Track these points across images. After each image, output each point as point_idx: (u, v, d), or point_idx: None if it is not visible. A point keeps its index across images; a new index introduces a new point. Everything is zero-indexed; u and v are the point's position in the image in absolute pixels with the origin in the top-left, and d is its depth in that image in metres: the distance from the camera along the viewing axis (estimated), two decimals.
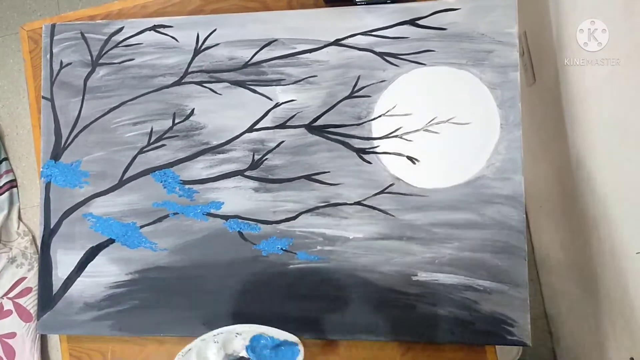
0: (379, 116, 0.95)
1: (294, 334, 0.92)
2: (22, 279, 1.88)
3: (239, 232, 0.97)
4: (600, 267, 1.07)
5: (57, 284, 1.02)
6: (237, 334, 0.88)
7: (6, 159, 2.05)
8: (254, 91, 0.98)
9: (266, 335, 0.88)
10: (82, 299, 1.01)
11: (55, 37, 1.06)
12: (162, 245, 0.99)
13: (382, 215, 0.93)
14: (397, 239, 0.93)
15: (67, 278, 1.02)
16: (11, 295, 1.86)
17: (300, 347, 0.87)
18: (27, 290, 1.88)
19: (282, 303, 0.95)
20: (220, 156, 0.98)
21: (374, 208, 0.94)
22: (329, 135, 0.96)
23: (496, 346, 0.92)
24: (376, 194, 0.94)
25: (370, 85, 0.95)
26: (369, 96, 0.95)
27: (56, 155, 1.04)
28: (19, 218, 2.01)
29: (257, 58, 0.99)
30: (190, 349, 0.87)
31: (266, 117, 0.98)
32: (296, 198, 0.95)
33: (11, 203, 1.99)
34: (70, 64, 1.05)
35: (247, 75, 0.99)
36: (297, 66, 0.97)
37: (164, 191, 1.00)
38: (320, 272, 0.94)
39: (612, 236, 0.98)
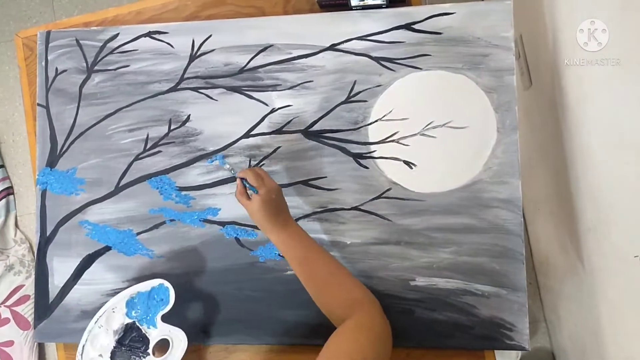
0: (376, 121, 0.94)
1: (290, 341, 0.92)
2: (20, 287, 1.87)
3: (235, 238, 0.97)
4: (599, 270, 1.06)
5: (53, 292, 1.02)
6: (113, 309, 0.91)
7: (2, 166, 2.04)
8: (250, 97, 0.98)
9: (135, 295, 0.91)
10: (79, 306, 1.00)
11: (50, 44, 1.06)
12: (158, 252, 0.99)
13: (380, 220, 0.93)
14: (395, 244, 0.92)
15: (63, 286, 1.01)
16: (9, 303, 1.85)
17: (167, 284, 0.90)
18: (25, 298, 1.87)
19: (279, 309, 0.94)
20: (217, 162, 0.98)
21: (372, 213, 0.93)
22: (326, 141, 0.96)
23: (495, 350, 0.92)
24: (373, 199, 0.93)
25: (366, 90, 0.95)
26: (365, 101, 0.95)
27: (52, 162, 1.04)
28: (16, 225, 2.00)
29: (252, 64, 0.99)
30: (83, 346, 0.90)
31: (262, 123, 0.98)
32: (293, 204, 0.95)
33: (8, 210, 1.98)
34: (65, 70, 1.05)
35: (243, 81, 0.99)
36: (293, 71, 0.97)
37: (160, 198, 0.99)
38: None
39: (611, 239, 0.98)
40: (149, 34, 1.03)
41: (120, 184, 1.01)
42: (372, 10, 0.96)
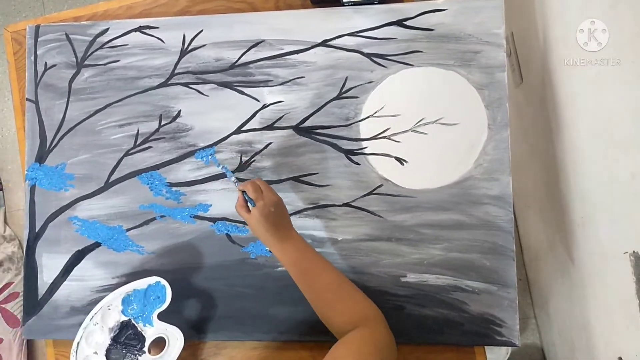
0: (367, 117, 0.94)
1: (281, 337, 0.92)
2: (9, 284, 1.86)
3: (226, 234, 0.97)
4: (588, 267, 1.07)
5: (42, 288, 1.01)
6: (109, 306, 0.91)
7: None
8: (241, 92, 0.98)
9: (131, 292, 0.91)
10: (69, 303, 1.00)
11: (39, 39, 1.05)
12: (149, 249, 0.98)
13: (371, 217, 0.93)
14: (386, 240, 0.92)
15: (52, 282, 1.01)
16: None
17: (163, 282, 0.90)
18: (14, 295, 1.85)
19: (270, 306, 0.94)
20: (203, 160, 0.98)
21: (363, 209, 0.93)
22: (317, 137, 0.95)
23: (486, 346, 0.92)
24: (364, 195, 0.93)
25: (358, 86, 0.95)
26: (357, 97, 0.95)
27: (41, 157, 1.03)
28: (5, 222, 1.98)
29: (244, 59, 0.98)
30: (78, 343, 0.89)
31: (254, 119, 0.97)
32: (285, 200, 0.94)
33: None
34: (54, 65, 1.04)
35: (234, 77, 0.98)
36: (285, 67, 0.97)
37: (150, 194, 0.99)
38: None
39: (600, 236, 0.99)
40: (139, 29, 1.02)
41: (110, 180, 1.00)
42: (364, 6, 0.96)
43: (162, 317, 0.89)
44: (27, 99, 1.04)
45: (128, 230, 0.99)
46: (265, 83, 0.97)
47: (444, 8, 0.93)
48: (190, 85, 0.99)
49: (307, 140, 0.96)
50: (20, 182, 2.03)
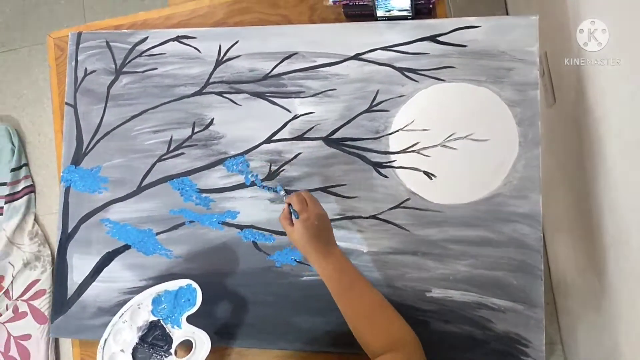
0: (397, 131, 0.95)
1: (304, 347, 0.92)
2: (36, 281, 1.90)
3: (253, 242, 0.98)
4: (618, 292, 1.04)
5: (71, 288, 1.03)
6: (139, 305, 0.91)
7: (26, 164, 2.08)
8: (273, 103, 0.99)
9: (162, 293, 0.91)
10: (96, 303, 1.02)
11: (80, 45, 1.09)
12: (177, 253, 1.00)
13: (397, 230, 0.93)
14: (412, 254, 0.92)
15: (82, 282, 1.03)
16: (25, 297, 1.87)
17: (195, 285, 0.90)
18: (41, 292, 1.89)
19: (294, 315, 0.94)
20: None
21: (389, 222, 0.93)
22: (346, 149, 0.96)
23: None
24: (392, 208, 0.93)
25: (389, 99, 0.95)
26: (387, 110, 0.95)
27: (77, 160, 1.06)
28: (35, 222, 2.03)
29: (277, 70, 1.00)
30: (105, 340, 0.90)
31: (284, 129, 0.99)
32: None
33: (28, 208, 2.01)
34: (94, 71, 1.08)
35: (267, 87, 1.00)
36: (317, 79, 0.98)
37: (180, 199, 1.01)
38: None
39: (631, 260, 0.97)
40: (177, 38, 1.05)
41: (143, 184, 1.03)
42: (397, 21, 0.97)
43: (189, 320, 0.90)
44: (66, 103, 1.08)
45: (158, 234, 1.01)
46: (297, 94, 0.99)
47: (478, 25, 0.93)
48: (224, 95, 1.01)
49: (337, 151, 0.96)
50: (53, 186, 2.08)
